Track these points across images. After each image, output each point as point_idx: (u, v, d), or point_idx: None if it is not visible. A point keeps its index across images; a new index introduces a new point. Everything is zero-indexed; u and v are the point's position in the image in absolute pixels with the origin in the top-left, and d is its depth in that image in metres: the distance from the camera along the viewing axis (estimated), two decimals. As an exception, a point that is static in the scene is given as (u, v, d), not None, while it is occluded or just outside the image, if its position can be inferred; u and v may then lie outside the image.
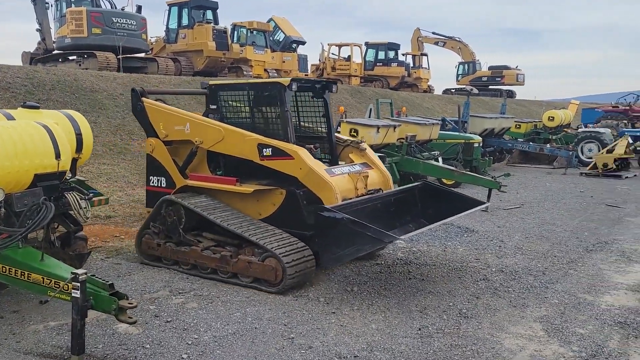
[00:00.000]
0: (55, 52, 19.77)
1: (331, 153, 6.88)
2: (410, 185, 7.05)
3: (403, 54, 33.44)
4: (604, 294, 5.68)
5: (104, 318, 4.71)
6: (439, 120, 13.93)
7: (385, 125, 10.63)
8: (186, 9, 20.74)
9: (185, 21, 20.85)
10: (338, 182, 5.92)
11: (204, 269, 6.00)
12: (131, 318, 3.98)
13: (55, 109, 8.38)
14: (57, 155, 4.79)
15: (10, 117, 5.12)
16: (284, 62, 26.78)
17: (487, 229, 8.50)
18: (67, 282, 3.88)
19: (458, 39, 38.82)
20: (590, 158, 16.44)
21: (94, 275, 4.01)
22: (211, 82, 7.02)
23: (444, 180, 11.87)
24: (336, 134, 7.13)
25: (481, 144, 13.86)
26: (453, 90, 38.00)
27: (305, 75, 28.96)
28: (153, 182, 6.92)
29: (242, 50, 23.01)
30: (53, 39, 19.79)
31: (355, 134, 9.80)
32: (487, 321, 4.95)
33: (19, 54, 21.04)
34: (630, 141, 15.63)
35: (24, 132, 4.61)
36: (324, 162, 6.45)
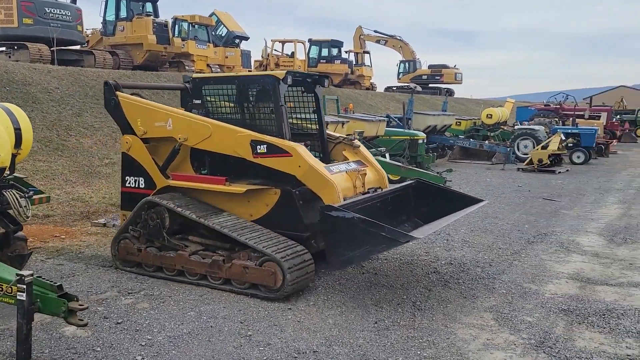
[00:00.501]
0: (-17, 42, 18.67)
1: (323, 151, 6.59)
2: (405, 183, 6.82)
3: (346, 52, 33.76)
4: (547, 283, 5.93)
5: (48, 321, 4.48)
6: (385, 117, 14.15)
7: (333, 121, 10.69)
8: (124, 1, 20.06)
9: (123, 13, 20.16)
10: (338, 181, 5.65)
11: (192, 275, 5.61)
12: (82, 320, 3.80)
13: (-13, 102, 7.88)
14: (-5, 151, 4.49)
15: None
16: (226, 57, 26.41)
17: (434, 223, 8.69)
18: (12, 285, 3.65)
19: (399, 38, 39.57)
20: (526, 154, 17.16)
21: (40, 277, 3.80)
22: (195, 76, 6.60)
23: (390, 176, 12.05)
24: (327, 131, 6.82)
25: (425, 141, 14.19)
26: (394, 88, 38.70)
27: (249, 70, 28.68)
28: (129, 183, 6.45)
29: (183, 45, 22.49)
30: (-20, 29, 18.67)
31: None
32: (441, 312, 5.06)
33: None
34: (563, 138, 16.44)
35: (-42, 126, 4.30)
36: None
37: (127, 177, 6.49)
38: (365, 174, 6.18)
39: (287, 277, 5.08)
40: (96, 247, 6.96)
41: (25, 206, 4.89)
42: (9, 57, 16.99)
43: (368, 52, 35.69)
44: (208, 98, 6.47)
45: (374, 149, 11.88)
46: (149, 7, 20.67)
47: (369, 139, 12.25)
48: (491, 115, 19.48)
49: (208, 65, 24.29)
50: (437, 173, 10.81)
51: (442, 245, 7.43)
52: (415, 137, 13.83)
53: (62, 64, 16.44)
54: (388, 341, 4.43)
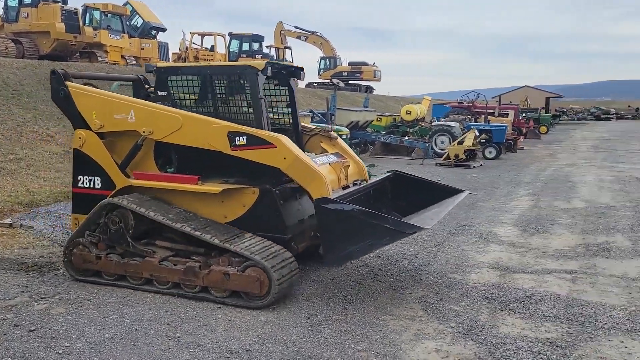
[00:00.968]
0: None
1: (297, 144, 6.09)
2: (383, 175, 6.60)
3: (267, 47, 33.52)
4: (470, 273, 6.15)
5: (-51, 333, 4.05)
6: (308, 112, 14.15)
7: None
8: (29, -15, 18.76)
9: (28, -1, 18.84)
10: (325, 173, 5.31)
11: (163, 284, 5.19)
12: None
13: None
14: None
15: None
16: (142, 49, 25.40)
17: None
18: None
19: (319, 34, 39.82)
20: (444, 149, 17.83)
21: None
22: (160, 65, 6.04)
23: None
24: (302, 123, 6.49)
25: (348, 136, 14.34)
26: (315, 84, 38.93)
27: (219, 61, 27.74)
28: (83, 183, 5.84)
29: (95, 34, 21.40)
30: None
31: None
32: (372, 305, 5.09)
33: None
34: (477, 134, 17.21)
35: None
36: None
37: (79, 177, 5.87)
38: (349, 166, 5.96)
39: (274, 282, 4.77)
40: (2, 250, 6.41)
41: None
42: None
43: (289, 48, 35.66)
44: (175, 90, 5.91)
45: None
46: (56, -7, 19.46)
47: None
48: (410, 112, 20.06)
49: (123, 56, 23.25)
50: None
51: (369, 238, 7.50)
52: (339, 133, 13.92)
53: (-43, 51, 15.09)
54: (322, 336, 4.39)
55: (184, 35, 29.85)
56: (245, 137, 5.23)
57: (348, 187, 5.74)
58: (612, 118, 61.33)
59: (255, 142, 5.22)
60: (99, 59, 21.07)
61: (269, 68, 5.51)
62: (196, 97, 5.95)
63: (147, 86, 6.53)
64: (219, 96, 5.93)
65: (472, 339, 4.41)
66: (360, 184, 5.94)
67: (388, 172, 6.67)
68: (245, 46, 31.43)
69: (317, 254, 6.01)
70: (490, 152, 18.58)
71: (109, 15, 23.00)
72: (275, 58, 34.14)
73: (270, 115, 6.23)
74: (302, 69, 6.42)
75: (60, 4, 19.16)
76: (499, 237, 7.83)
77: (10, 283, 5.32)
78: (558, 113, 51.05)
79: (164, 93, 5.88)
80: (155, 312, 4.73)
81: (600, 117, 60.59)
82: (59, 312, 4.66)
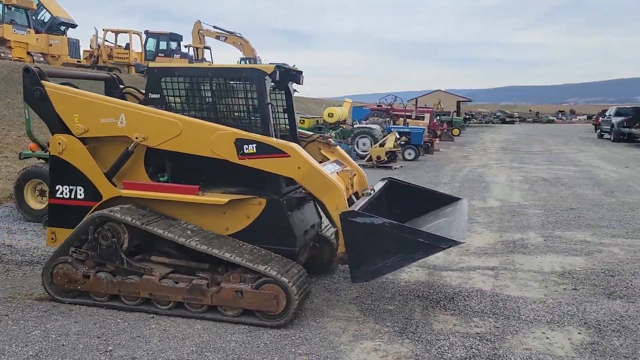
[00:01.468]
0: None
1: None
2: (382, 184, 6.27)
3: (185, 46, 32.74)
4: (401, 272, 6.31)
5: None
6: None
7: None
8: None
9: None
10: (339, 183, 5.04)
11: (164, 304, 4.79)
12: None
13: None
14: None
15: None
16: (50, 45, 24.02)
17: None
18: None
19: (239, 35, 39.33)
20: (366, 151, 18.22)
21: None
22: (153, 65, 5.53)
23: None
24: (298, 129, 6.17)
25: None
26: (235, 86, 38.47)
27: (78, 61, 26.36)
28: (63, 194, 5.30)
29: (-2, 29, 19.91)
30: None
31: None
32: (308, 307, 5.10)
33: None
34: (397, 136, 17.75)
35: None
36: None
37: (58, 186, 5.32)
38: (355, 175, 5.71)
39: (293, 299, 4.53)
40: None
41: None
42: None
43: (208, 48, 35.00)
44: (170, 92, 5.38)
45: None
46: (-48, -18, 17.94)
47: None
48: (332, 114, 20.34)
49: (29, 53, 21.87)
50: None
51: (300, 241, 7.52)
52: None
53: None
54: (262, 342, 4.35)
55: (97, 32, 28.57)
56: (254, 145, 4.90)
57: (365, 195, 5.58)
58: (516, 121, 65.61)
59: (266, 150, 4.90)
60: (2, 55, 19.66)
61: (278, 72, 5.23)
62: (196, 101, 5.47)
63: (121, 85, 6.10)
64: (220, 100, 5.46)
65: (408, 337, 4.53)
66: (370, 193, 5.69)
67: (384, 179, 6.51)
68: (163, 45, 30.56)
69: (311, 265, 5.81)
70: (409, 154, 19.22)
71: (13, 8, 21.51)
72: (194, 58, 33.41)
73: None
74: (301, 72, 6.14)
75: (-44, -6, 17.72)
76: (424, 237, 8.10)
77: None
78: (468, 116, 53.83)
79: (157, 95, 5.37)
80: (82, 326, 4.47)
81: (505, 120, 64.60)
82: (-27, 331, 4.30)
